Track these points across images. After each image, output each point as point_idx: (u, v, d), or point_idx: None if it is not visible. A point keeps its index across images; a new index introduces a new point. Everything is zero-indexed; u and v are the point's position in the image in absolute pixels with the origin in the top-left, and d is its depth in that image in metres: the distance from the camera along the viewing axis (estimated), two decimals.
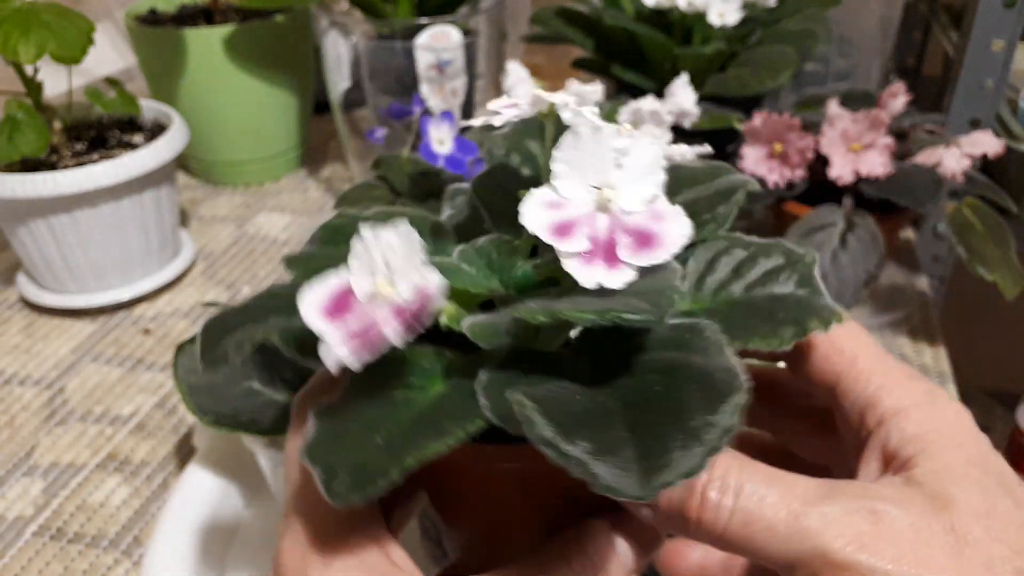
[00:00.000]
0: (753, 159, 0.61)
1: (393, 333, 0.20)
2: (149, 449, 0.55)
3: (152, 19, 0.83)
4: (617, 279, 0.21)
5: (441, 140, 0.60)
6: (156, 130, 0.70)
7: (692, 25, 0.72)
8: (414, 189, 0.63)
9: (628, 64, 0.76)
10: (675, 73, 0.65)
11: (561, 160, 0.22)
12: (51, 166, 0.64)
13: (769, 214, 0.65)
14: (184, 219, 0.82)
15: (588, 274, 0.22)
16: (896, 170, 0.59)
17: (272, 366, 0.46)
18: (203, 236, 0.79)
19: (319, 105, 0.92)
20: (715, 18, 0.69)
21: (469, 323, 0.22)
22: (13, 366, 0.63)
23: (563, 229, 0.22)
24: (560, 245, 0.22)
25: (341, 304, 0.21)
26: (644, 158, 0.22)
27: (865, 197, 0.59)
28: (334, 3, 0.82)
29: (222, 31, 0.78)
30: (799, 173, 0.60)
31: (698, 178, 0.29)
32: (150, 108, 0.72)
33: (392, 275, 0.21)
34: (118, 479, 0.53)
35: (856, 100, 0.66)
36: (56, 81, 0.68)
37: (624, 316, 0.20)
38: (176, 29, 0.78)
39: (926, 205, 0.57)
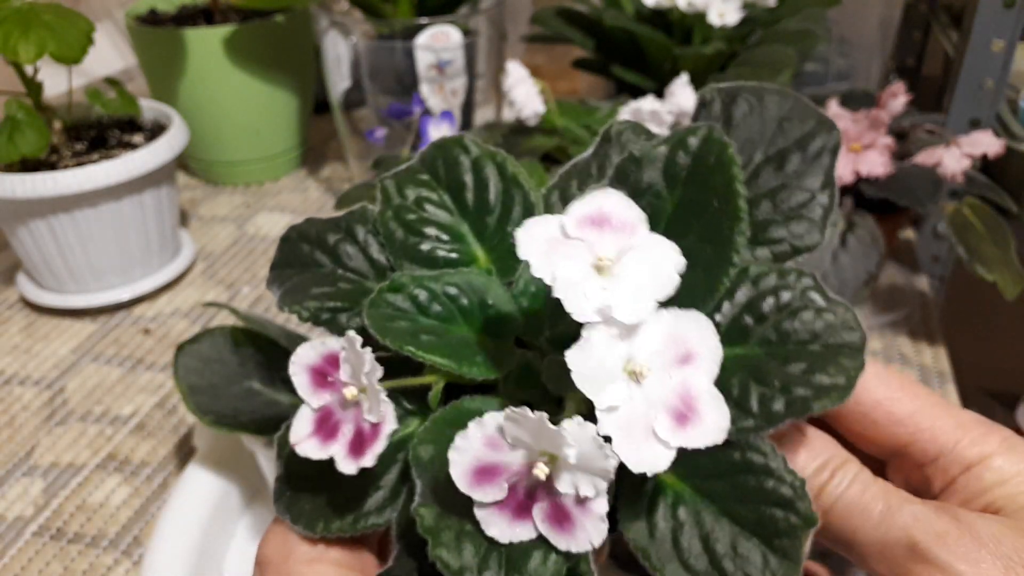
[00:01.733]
0: None
1: (342, 453, 0.22)
2: (149, 449, 0.55)
3: (152, 19, 0.83)
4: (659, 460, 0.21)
5: None
6: (156, 130, 0.70)
7: (692, 25, 0.72)
8: None
9: (628, 64, 0.76)
10: (675, 73, 0.65)
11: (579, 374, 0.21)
12: (51, 166, 0.63)
13: None
14: (184, 219, 0.82)
15: (637, 460, 0.20)
16: (896, 170, 0.59)
17: (272, 366, 0.46)
18: (203, 236, 0.79)
19: (319, 105, 0.92)
20: (715, 18, 0.69)
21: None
22: (13, 366, 0.63)
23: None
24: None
25: (321, 375, 0.23)
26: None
27: (865, 197, 0.59)
28: (334, 3, 0.82)
29: (222, 31, 0.78)
30: None
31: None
32: (150, 108, 0.72)
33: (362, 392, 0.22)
34: (118, 479, 0.53)
35: (856, 100, 0.66)
36: (56, 81, 0.68)
37: None
38: (176, 29, 0.78)
39: (926, 205, 0.57)
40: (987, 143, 0.58)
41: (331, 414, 0.23)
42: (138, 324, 0.67)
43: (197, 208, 0.85)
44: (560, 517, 0.21)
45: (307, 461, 0.23)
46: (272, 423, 0.44)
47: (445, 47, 0.72)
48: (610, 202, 0.22)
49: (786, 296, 0.24)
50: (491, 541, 0.21)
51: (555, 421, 0.20)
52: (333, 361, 0.23)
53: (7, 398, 0.60)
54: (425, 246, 0.26)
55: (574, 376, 0.20)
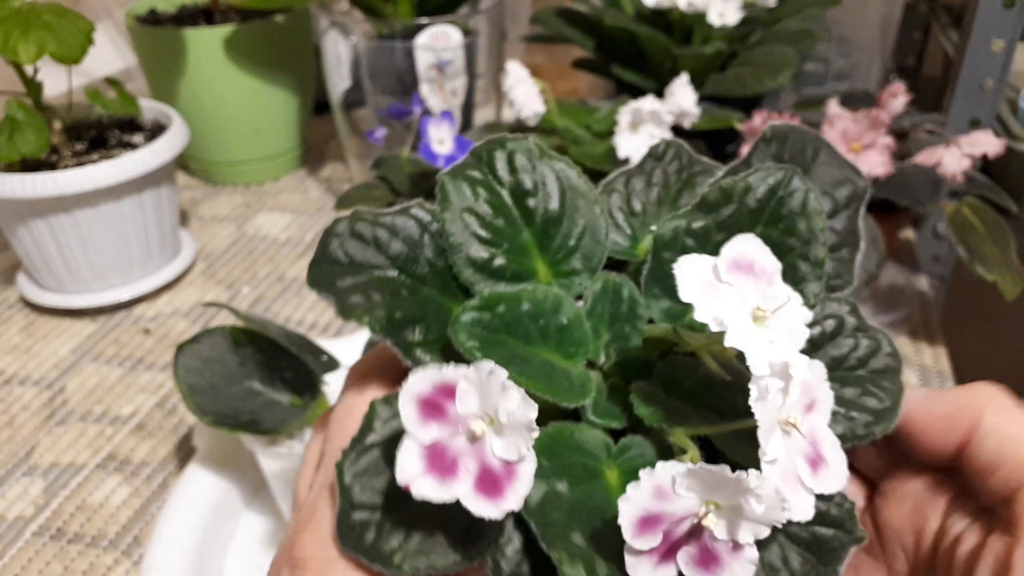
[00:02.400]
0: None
1: (464, 488, 0.20)
2: (149, 449, 0.55)
3: (152, 19, 0.83)
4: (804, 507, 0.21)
5: (441, 140, 0.60)
6: (156, 130, 0.70)
7: (692, 25, 0.72)
8: (414, 189, 0.63)
9: (628, 64, 0.76)
10: (675, 73, 0.65)
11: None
12: (51, 166, 0.64)
13: None
14: (184, 219, 0.82)
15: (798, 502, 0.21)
16: (896, 170, 0.59)
17: (272, 366, 0.46)
18: (203, 236, 0.79)
19: (319, 105, 0.92)
20: (715, 18, 0.69)
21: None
22: (13, 366, 0.63)
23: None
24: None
25: (433, 407, 0.21)
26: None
27: None
28: (334, 3, 0.82)
29: (222, 31, 0.78)
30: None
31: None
32: (150, 108, 0.72)
33: (497, 427, 0.20)
34: (118, 479, 0.53)
35: (856, 100, 0.66)
36: (56, 81, 0.68)
37: None
38: (176, 29, 0.78)
39: (926, 205, 0.57)
40: (987, 143, 0.58)
41: (444, 449, 0.21)
42: (138, 324, 0.67)
43: (197, 208, 0.85)
44: (708, 560, 0.21)
45: (383, 496, 0.22)
46: (272, 423, 0.44)
47: (445, 47, 0.72)
48: (752, 248, 0.22)
49: (831, 324, 0.25)
50: None
51: (663, 455, 0.20)
52: (448, 391, 0.21)
53: (7, 398, 0.60)
54: (485, 254, 0.25)
55: (759, 422, 0.20)
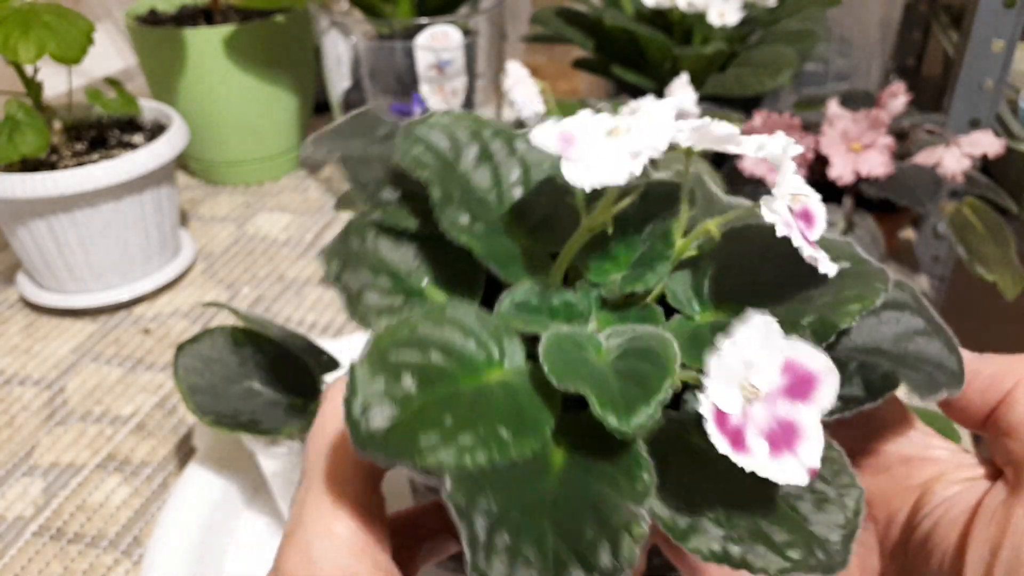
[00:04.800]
0: (753, 159, 0.61)
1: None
2: (149, 449, 0.55)
3: (152, 19, 0.83)
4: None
5: None
6: (156, 130, 0.70)
7: (692, 25, 0.72)
8: None
9: (628, 64, 0.76)
10: (675, 73, 0.65)
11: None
12: (51, 166, 0.64)
13: None
14: (184, 219, 0.82)
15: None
16: (896, 170, 0.59)
17: (272, 366, 0.46)
18: (203, 236, 0.79)
19: (319, 105, 0.92)
20: (715, 18, 0.69)
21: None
22: (13, 366, 0.63)
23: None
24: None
25: None
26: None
27: (865, 197, 0.59)
28: (334, 3, 0.82)
29: (222, 31, 0.78)
30: (799, 173, 0.60)
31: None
32: (150, 108, 0.72)
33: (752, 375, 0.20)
34: (118, 479, 0.53)
35: (856, 100, 0.66)
36: (56, 81, 0.68)
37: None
38: (176, 29, 0.78)
39: (926, 205, 0.57)
40: (987, 143, 0.58)
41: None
42: (138, 324, 0.67)
43: (197, 208, 0.85)
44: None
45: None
46: (272, 423, 0.44)
47: (445, 47, 0.72)
48: None
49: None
50: None
51: None
52: None
53: (7, 398, 0.60)
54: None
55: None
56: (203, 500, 0.48)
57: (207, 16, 0.83)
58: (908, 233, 0.75)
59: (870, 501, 0.25)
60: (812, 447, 0.20)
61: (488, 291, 0.25)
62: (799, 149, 0.24)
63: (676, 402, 0.23)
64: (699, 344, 0.23)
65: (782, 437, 0.20)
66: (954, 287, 0.76)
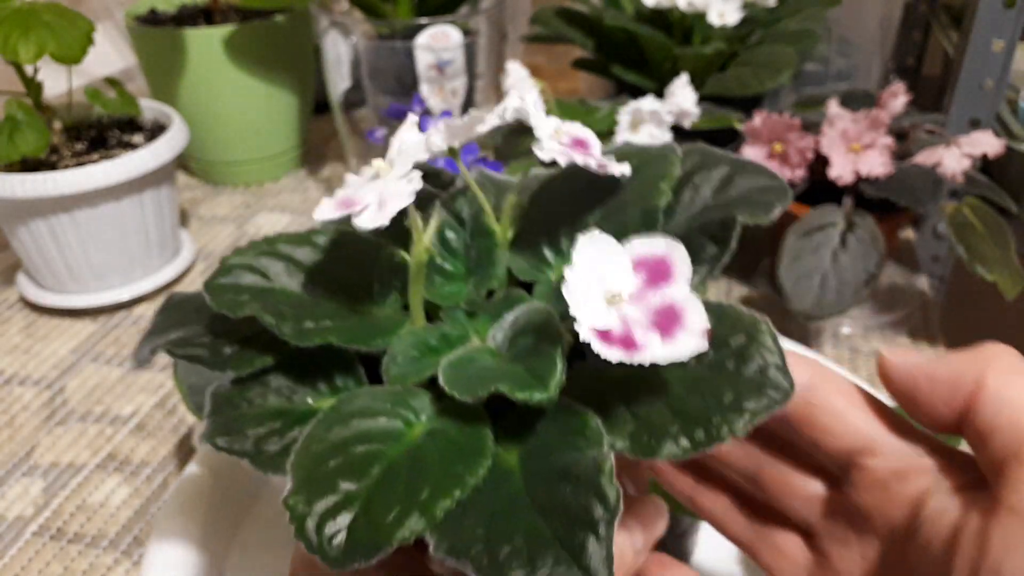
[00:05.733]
0: (753, 159, 0.61)
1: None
2: (149, 449, 0.55)
3: (152, 19, 0.83)
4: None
5: None
6: (156, 130, 0.70)
7: (692, 25, 0.72)
8: None
9: (628, 64, 0.76)
10: (675, 73, 0.65)
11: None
12: (51, 166, 0.64)
13: None
14: (184, 219, 0.82)
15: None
16: (896, 170, 0.59)
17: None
18: (203, 236, 0.79)
19: (319, 105, 0.92)
20: (715, 18, 0.69)
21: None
22: (13, 366, 0.63)
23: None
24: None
25: None
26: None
27: (865, 197, 0.59)
28: (334, 3, 0.82)
29: (222, 31, 0.78)
30: (799, 173, 0.60)
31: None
32: (150, 108, 0.72)
33: None
34: (118, 479, 0.53)
35: (856, 100, 0.66)
36: (56, 81, 0.68)
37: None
38: (176, 29, 0.78)
39: (926, 205, 0.57)
40: (987, 143, 0.58)
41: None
42: (138, 324, 0.67)
43: (197, 208, 0.85)
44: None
45: None
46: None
47: (445, 47, 0.72)
48: None
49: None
50: None
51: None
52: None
53: (7, 398, 0.60)
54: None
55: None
56: (203, 500, 0.47)
57: (207, 16, 0.83)
58: (908, 233, 0.75)
59: (871, 518, 0.25)
60: (695, 315, 0.21)
61: (368, 365, 0.26)
62: (534, 93, 0.27)
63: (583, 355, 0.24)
64: None
65: (666, 321, 0.21)
66: (954, 287, 0.76)
